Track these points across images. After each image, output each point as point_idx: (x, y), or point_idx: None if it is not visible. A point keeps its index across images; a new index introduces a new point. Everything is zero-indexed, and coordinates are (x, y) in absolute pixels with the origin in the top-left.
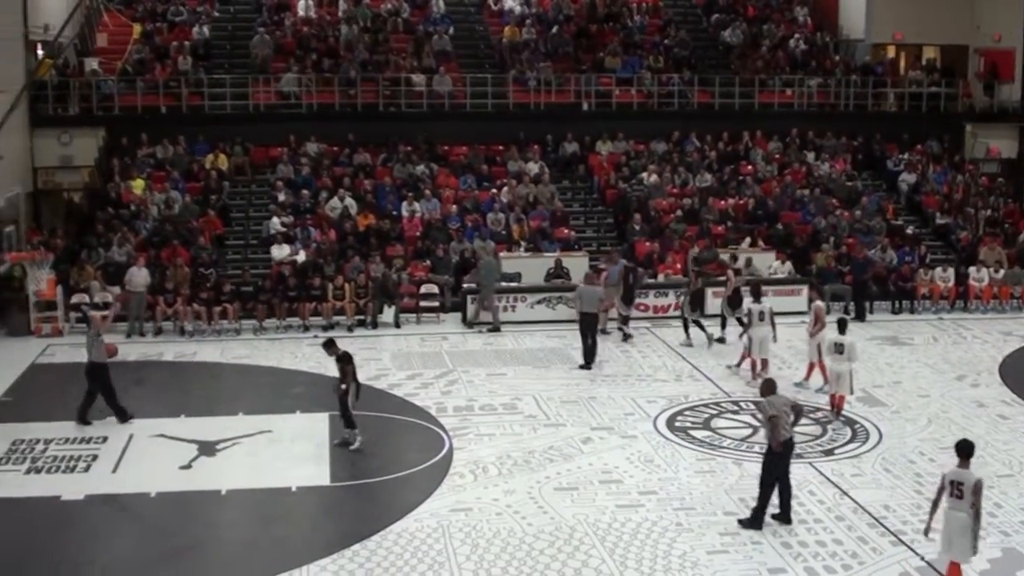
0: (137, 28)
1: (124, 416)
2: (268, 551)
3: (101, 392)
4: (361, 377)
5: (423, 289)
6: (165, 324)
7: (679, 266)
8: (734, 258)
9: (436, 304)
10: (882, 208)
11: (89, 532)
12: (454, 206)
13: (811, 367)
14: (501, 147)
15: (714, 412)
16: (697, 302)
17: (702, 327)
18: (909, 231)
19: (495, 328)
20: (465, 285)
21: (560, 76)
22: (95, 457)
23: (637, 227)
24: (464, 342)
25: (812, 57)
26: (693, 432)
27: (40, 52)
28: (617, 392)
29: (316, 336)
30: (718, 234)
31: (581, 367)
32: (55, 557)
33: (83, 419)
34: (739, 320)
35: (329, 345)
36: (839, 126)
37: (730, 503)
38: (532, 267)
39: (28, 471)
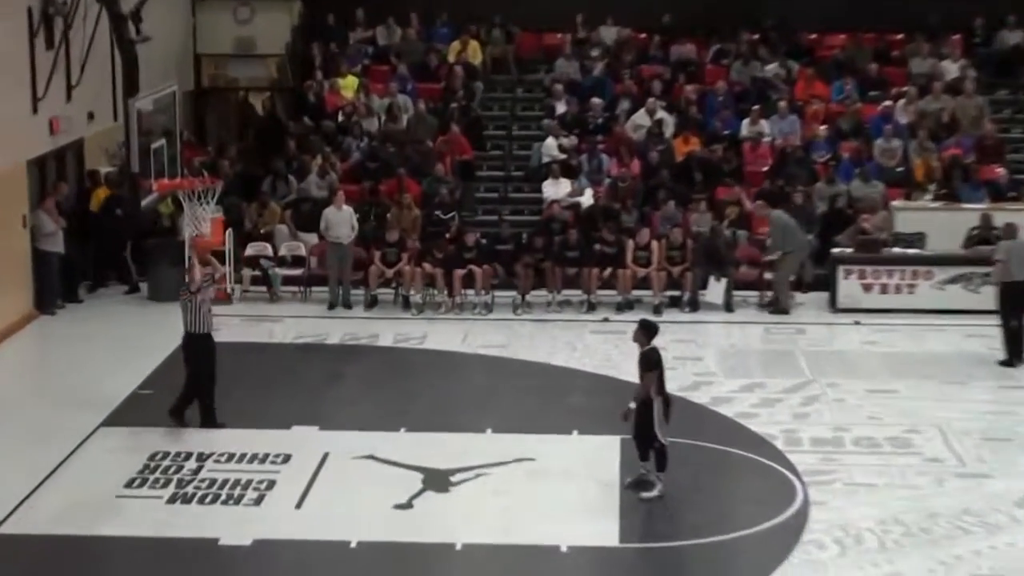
0: None
1: (211, 421)
2: None
3: (188, 373)
4: (671, 385)
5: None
6: (382, 292)
7: None
8: None
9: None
10: None
11: None
12: (822, 127)
13: None
14: (899, 36)
15: None
16: None
17: None
18: None
19: (780, 309)
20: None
21: None
22: (271, 484)
23: None
24: (831, 337)
25: None
26: None
27: None
28: None
29: (607, 319)
30: None
31: (1003, 364)
32: None
33: (208, 420)
34: None
35: (647, 329)
36: None
37: None
38: (943, 225)
39: (173, 499)
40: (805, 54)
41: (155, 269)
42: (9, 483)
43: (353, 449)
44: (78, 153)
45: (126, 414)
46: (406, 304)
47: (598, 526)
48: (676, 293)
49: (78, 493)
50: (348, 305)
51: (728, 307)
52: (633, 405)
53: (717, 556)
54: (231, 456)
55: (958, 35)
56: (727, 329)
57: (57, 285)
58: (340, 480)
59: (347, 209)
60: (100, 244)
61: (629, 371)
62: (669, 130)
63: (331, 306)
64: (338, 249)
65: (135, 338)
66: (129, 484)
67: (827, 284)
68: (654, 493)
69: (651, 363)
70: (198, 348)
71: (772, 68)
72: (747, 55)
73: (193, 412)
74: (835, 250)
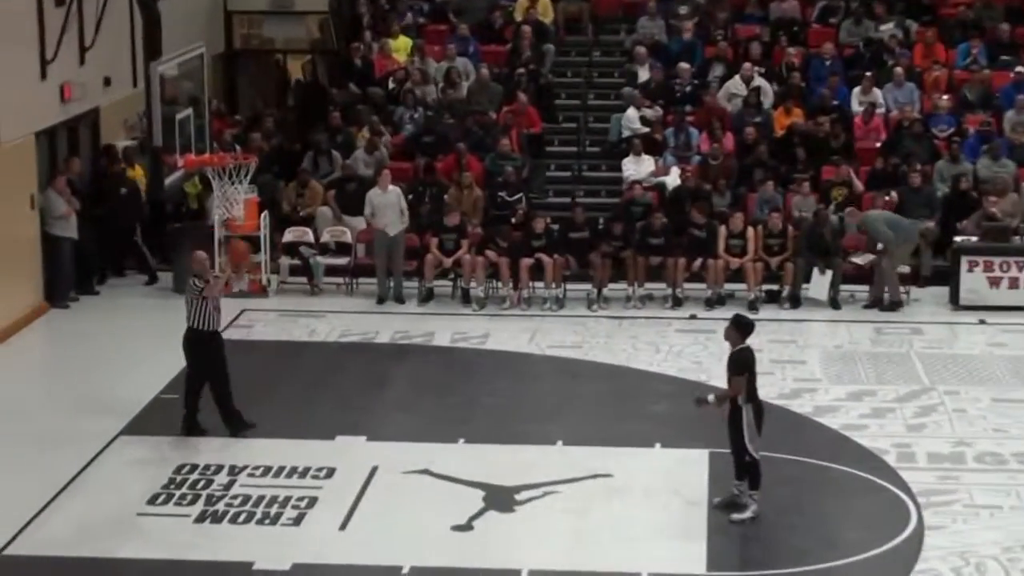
0: None
1: (238, 425)
2: None
3: (189, 375)
4: (769, 391)
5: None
6: (439, 285)
7: None
8: None
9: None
10: None
11: None
12: (943, 97)
13: None
14: None
15: None
16: None
17: None
18: None
19: (891, 305)
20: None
21: None
22: (313, 502)
23: None
24: (952, 338)
25: None
26: None
27: None
28: None
29: (694, 316)
30: None
31: None
32: None
33: (237, 425)
34: None
35: (742, 326)
36: None
37: None
38: None
39: (201, 518)
40: (926, 12)
41: (180, 257)
42: (17, 499)
43: (405, 463)
44: (93, 124)
45: (148, 421)
46: (466, 298)
47: (683, 550)
48: (774, 287)
49: (94, 511)
50: (400, 299)
51: (834, 303)
52: (711, 398)
53: None
54: (267, 470)
55: None
56: (832, 328)
57: (70, 275)
58: (390, 498)
59: (394, 190)
60: (101, 229)
61: (720, 375)
62: (768, 100)
63: (380, 300)
64: (385, 237)
65: (158, 335)
66: (152, 500)
67: (948, 277)
68: (747, 515)
69: (742, 365)
70: (204, 347)
71: (887, 28)
72: (859, 13)
73: (210, 421)
74: (958, 239)
